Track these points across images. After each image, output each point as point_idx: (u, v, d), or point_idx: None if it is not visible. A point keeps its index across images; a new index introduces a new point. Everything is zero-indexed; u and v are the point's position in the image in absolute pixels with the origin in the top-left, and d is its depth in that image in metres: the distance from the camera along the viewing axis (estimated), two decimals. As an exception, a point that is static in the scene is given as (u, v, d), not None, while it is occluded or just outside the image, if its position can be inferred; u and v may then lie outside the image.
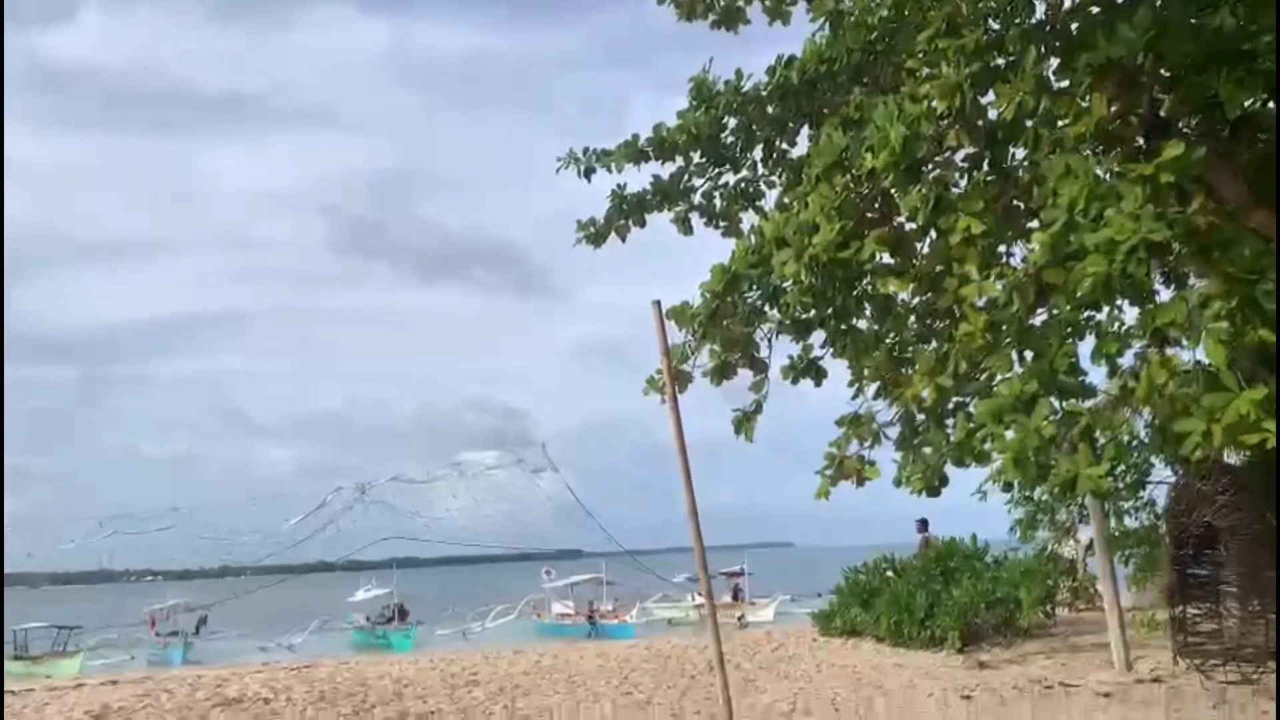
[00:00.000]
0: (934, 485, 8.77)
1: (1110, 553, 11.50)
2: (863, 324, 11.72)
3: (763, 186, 12.63)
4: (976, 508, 17.17)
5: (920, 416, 10.88)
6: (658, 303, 8.77)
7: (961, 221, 8.68)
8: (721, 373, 11.14)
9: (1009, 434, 8.18)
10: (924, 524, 18.17)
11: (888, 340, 10.78)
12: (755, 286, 9.52)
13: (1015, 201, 9.79)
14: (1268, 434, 7.35)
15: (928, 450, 10.61)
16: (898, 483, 10.62)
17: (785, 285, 9.83)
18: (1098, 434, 7.86)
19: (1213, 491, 9.40)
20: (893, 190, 9.29)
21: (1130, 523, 13.75)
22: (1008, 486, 8.71)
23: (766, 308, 10.49)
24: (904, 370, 10.80)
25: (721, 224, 12.47)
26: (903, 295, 11.05)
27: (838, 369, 11.98)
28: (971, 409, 9.73)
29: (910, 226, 11.00)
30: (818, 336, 11.91)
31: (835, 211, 9.05)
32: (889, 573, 16.60)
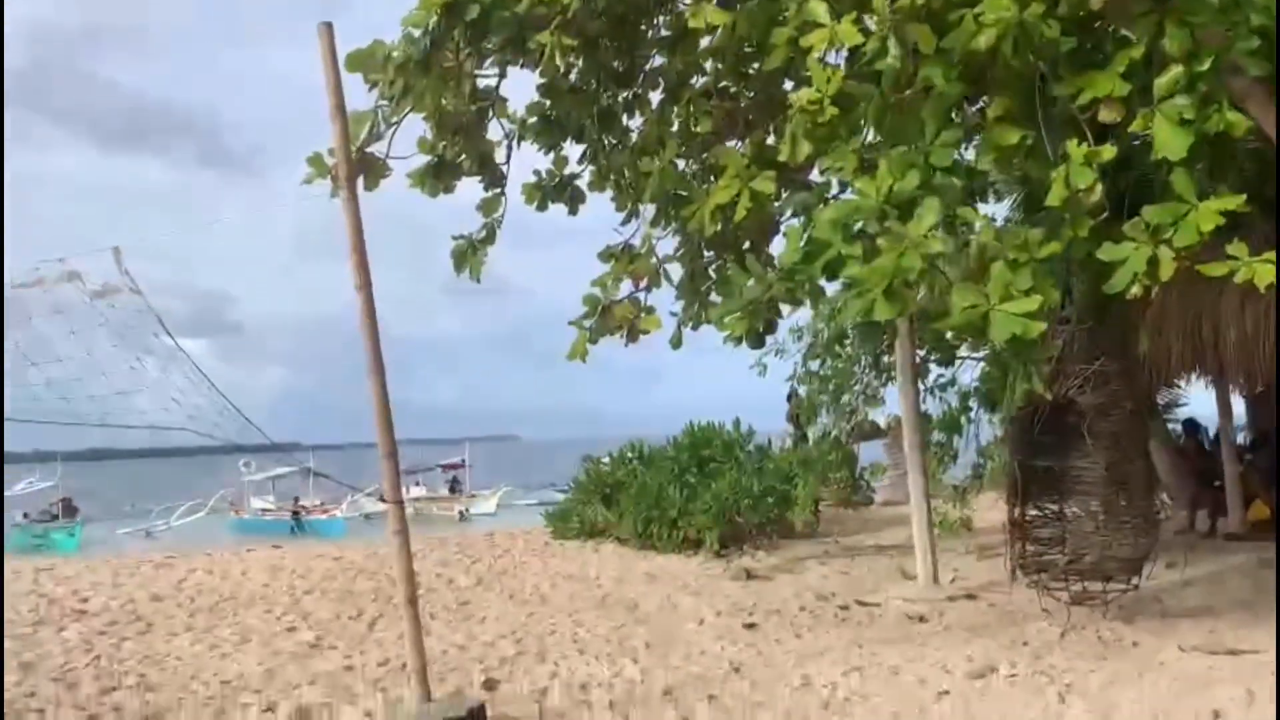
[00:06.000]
0: (757, 330, 5.96)
1: (922, 438, 9.34)
2: (638, 126, 8.80)
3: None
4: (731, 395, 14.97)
5: (708, 254, 8.19)
6: (328, 26, 5.35)
7: (812, -79, 5.77)
8: (438, 175, 7.79)
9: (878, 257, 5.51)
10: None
11: (673, 144, 7.86)
12: (489, 20, 6.18)
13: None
14: (1237, 264, 5.11)
15: (716, 299, 7.91)
16: (676, 342, 7.91)
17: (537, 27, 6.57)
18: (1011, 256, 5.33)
19: (1080, 360, 7.21)
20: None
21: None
22: (869, 329, 6.10)
23: (506, 62, 7.22)
24: (697, 184, 7.93)
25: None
26: (702, 77, 8.17)
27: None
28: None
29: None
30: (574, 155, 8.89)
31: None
32: (635, 464, 14.08)
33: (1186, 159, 5.04)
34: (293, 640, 7.91)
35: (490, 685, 6.29)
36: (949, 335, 10.73)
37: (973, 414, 10.73)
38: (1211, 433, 13.79)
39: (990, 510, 12.50)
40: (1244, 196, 5.02)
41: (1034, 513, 7.80)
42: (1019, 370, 5.24)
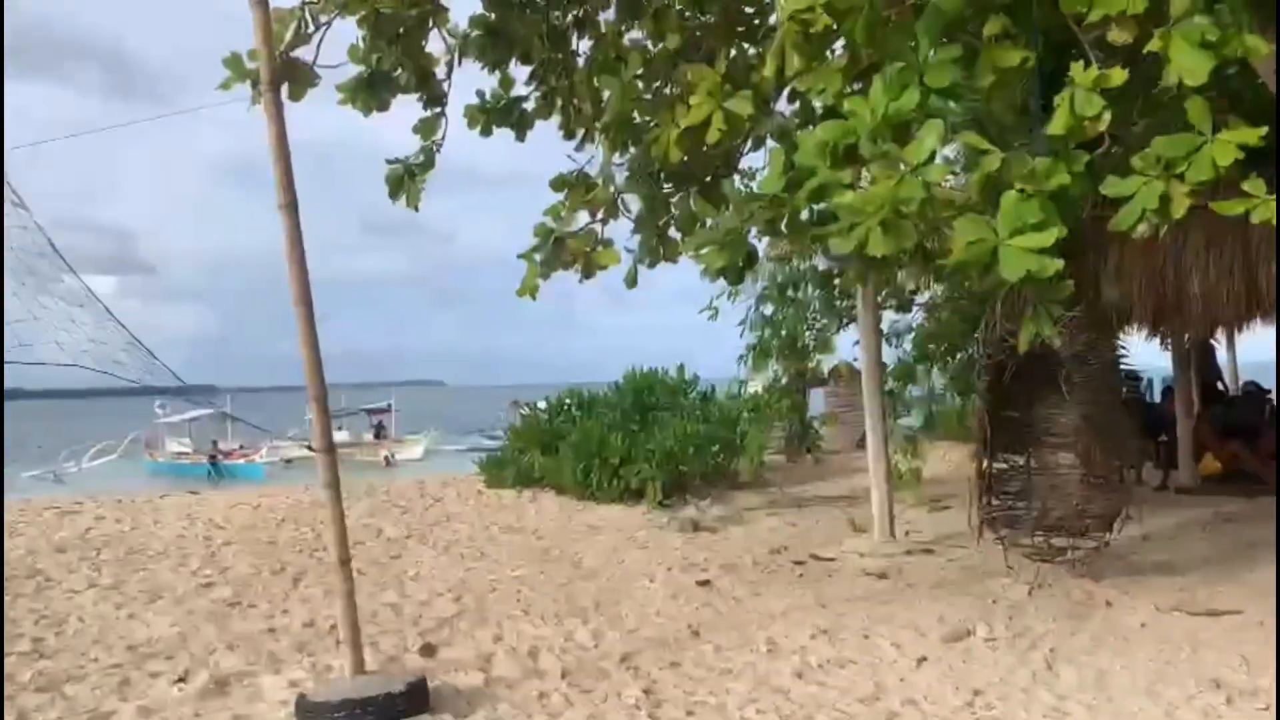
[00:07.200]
0: (736, 264, 5.44)
1: (881, 384, 8.95)
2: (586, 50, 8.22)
3: None
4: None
5: (667, 187, 7.65)
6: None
7: None
8: (371, 89, 7.13)
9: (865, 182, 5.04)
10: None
11: (635, 60, 7.27)
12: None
13: None
14: (1256, 201, 4.68)
15: (676, 234, 7.42)
16: (631, 280, 7.38)
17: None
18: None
19: (1057, 306, 6.80)
20: None
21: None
22: (867, 262, 5.56)
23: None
24: (662, 102, 7.33)
25: None
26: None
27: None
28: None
29: None
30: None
31: None
32: (575, 411, 13.54)
33: (1204, 86, 4.63)
34: (209, 598, 7.27)
35: (428, 650, 5.75)
36: (905, 288, 10.41)
37: (929, 363, 10.40)
38: (1153, 384, 13.78)
39: (939, 462, 12.30)
40: (1264, 129, 4.64)
41: (1001, 466, 7.47)
42: (1037, 313, 4.79)
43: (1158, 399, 13.92)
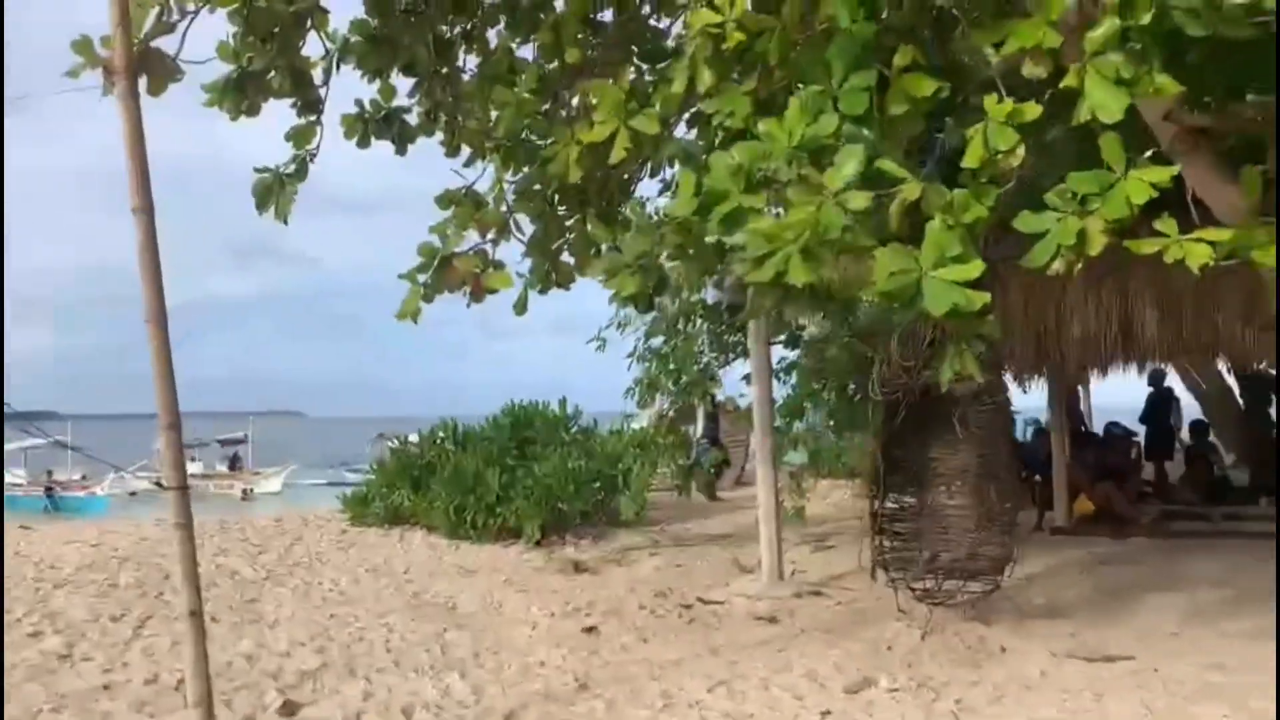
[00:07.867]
0: (646, 290, 5.10)
1: (771, 420, 8.73)
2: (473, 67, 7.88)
3: None
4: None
5: (562, 209, 7.33)
6: None
7: None
8: (240, 90, 6.58)
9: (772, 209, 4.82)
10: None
11: (532, 72, 6.95)
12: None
13: None
14: (1167, 242, 4.57)
15: (567, 258, 7.09)
16: (521, 307, 7.00)
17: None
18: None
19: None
20: None
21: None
22: (785, 291, 5.27)
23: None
24: (560, 120, 7.01)
25: None
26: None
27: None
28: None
29: None
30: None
31: None
32: (450, 445, 12.96)
33: (1120, 123, 4.57)
34: (35, 650, 6.46)
35: (289, 709, 5.19)
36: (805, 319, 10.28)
37: (818, 398, 10.28)
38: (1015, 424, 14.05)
39: (821, 501, 12.21)
40: (1176, 169, 4.59)
41: (893, 506, 7.33)
42: (959, 350, 4.61)
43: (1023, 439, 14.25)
